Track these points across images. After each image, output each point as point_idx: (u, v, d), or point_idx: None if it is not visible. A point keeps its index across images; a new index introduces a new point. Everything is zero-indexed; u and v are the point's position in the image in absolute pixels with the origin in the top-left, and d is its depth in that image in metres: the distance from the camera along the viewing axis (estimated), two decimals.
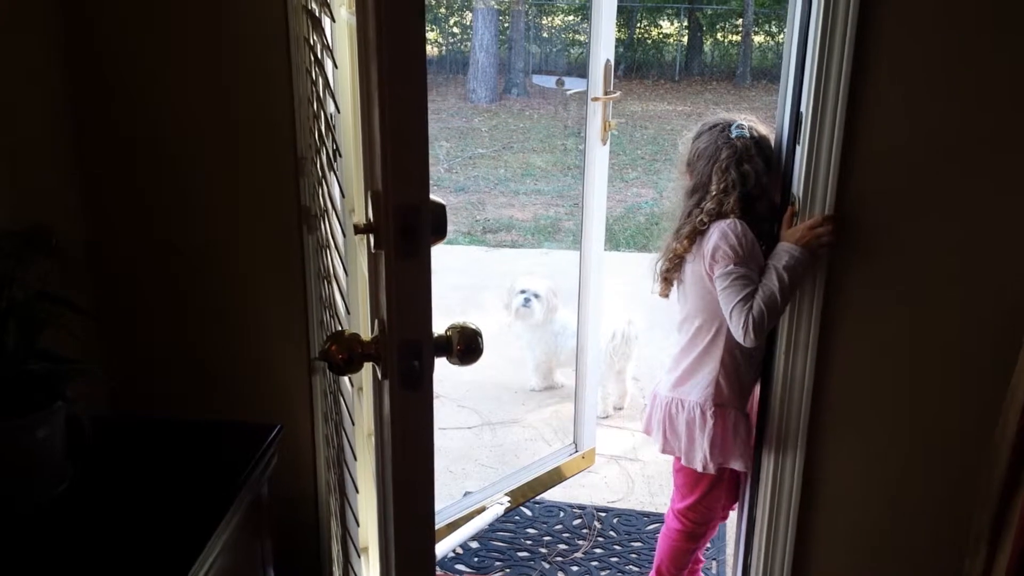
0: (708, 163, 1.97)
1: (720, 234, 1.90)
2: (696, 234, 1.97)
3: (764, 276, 1.84)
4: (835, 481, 1.94)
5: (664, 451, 2.13)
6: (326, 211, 1.73)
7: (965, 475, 1.88)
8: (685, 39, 15.49)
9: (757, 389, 2.06)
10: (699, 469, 2.04)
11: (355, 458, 1.94)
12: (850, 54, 1.66)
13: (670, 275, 2.06)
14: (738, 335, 1.86)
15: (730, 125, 1.97)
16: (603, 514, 2.86)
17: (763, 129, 1.99)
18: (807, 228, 1.76)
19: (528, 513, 2.86)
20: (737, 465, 2.04)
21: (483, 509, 2.72)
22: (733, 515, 2.32)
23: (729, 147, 1.95)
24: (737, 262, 1.87)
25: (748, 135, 1.96)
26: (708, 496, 2.13)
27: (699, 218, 1.96)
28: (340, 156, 1.72)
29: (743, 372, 2.01)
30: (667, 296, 2.10)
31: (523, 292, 3.74)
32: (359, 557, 2.03)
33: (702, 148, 1.99)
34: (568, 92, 11.06)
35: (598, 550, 2.68)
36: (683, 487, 2.16)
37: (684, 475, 2.14)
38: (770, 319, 1.83)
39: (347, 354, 1.10)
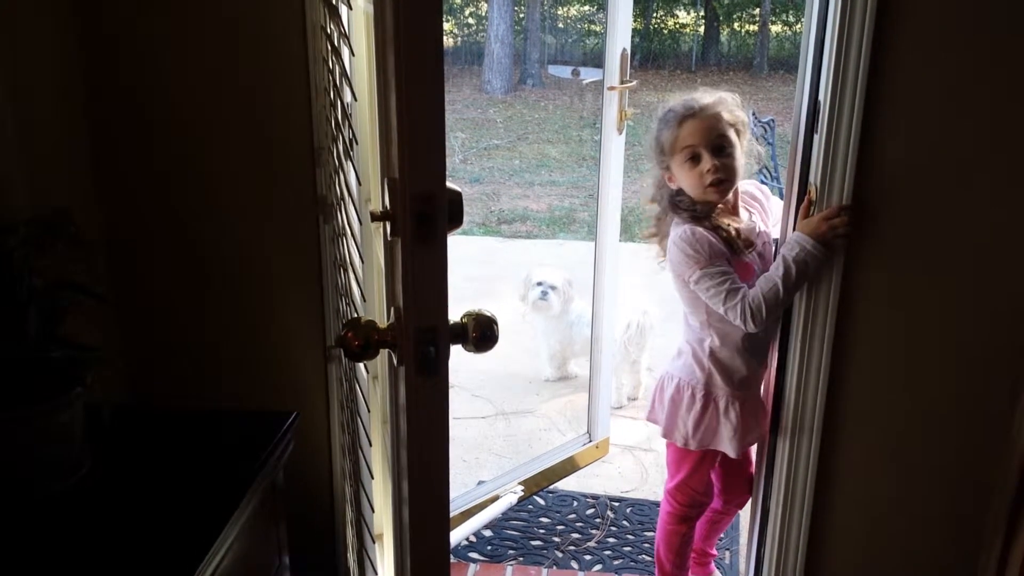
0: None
1: (675, 247, 1.93)
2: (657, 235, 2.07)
3: (773, 265, 1.84)
4: (850, 471, 1.93)
5: (648, 419, 2.17)
6: (342, 199, 1.74)
7: (982, 465, 1.87)
8: (702, 29, 15.41)
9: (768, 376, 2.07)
10: (679, 444, 2.07)
11: (370, 444, 1.95)
12: (869, 42, 1.64)
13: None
14: (739, 326, 1.88)
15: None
16: (616, 504, 2.87)
17: (706, 99, 1.94)
18: (822, 219, 1.76)
19: (541, 502, 2.87)
20: (727, 449, 2.04)
21: (497, 498, 2.73)
22: (748, 506, 2.31)
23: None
24: (703, 265, 1.88)
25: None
26: (693, 477, 2.13)
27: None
28: (356, 144, 1.72)
29: (739, 361, 1.99)
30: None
31: (540, 284, 3.74)
32: (374, 543, 2.05)
33: None
34: (584, 82, 11.02)
35: (611, 539, 2.69)
36: (671, 465, 2.18)
37: (671, 452, 2.17)
38: (770, 308, 1.83)
39: (363, 341, 1.11)
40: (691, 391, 2.04)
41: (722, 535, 2.65)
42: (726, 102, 1.95)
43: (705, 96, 1.94)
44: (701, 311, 1.98)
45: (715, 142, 1.90)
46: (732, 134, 1.92)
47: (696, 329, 2.03)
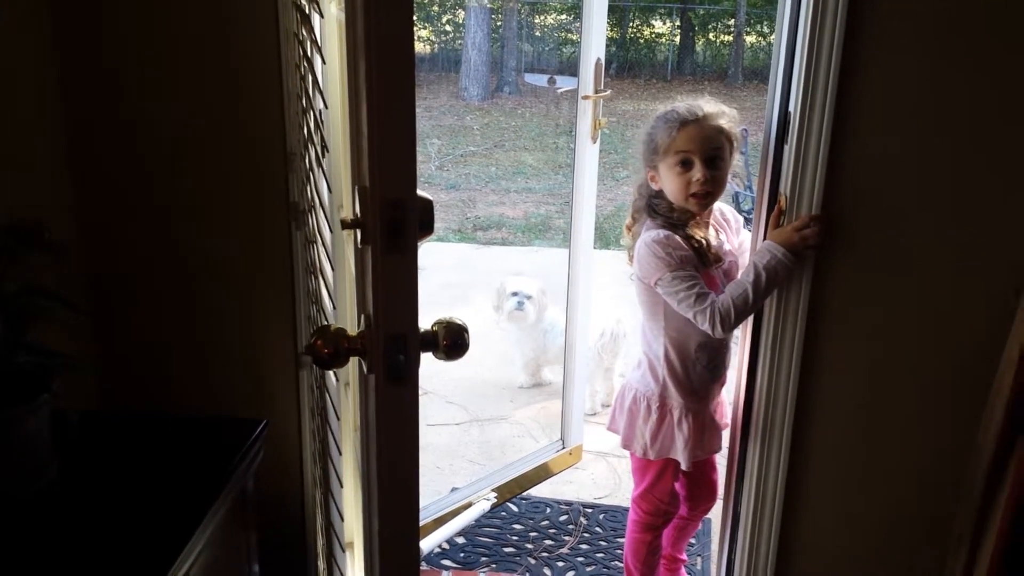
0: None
1: (645, 248, 1.92)
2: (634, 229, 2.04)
3: (743, 272, 1.86)
4: (820, 476, 1.95)
5: (610, 428, 2.19)
6: (313, 206, 1.73)
7: (950, 472, 1.89)
8: (677, 39, 15.51)
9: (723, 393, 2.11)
10: (639, 454, 2.09)
11: (340, 453, 1.94)
12: (839, 52, 1.67)
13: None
14: (707, 331, 1.88)
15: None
16: (590, 510, 2.87)
17: (710, 108, 1.93)
18: (793, 229, 1.77)
19: (515, 509, 2.87)
20: (680, 459, 2.05)
21: (470, 505, 2.72)
22: (718, 511, 2.33)
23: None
24: (673, 268, 1.88)
25: None
26: (657, 486, 2.14)
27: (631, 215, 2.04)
28: (328, 151, 1.72)
29: (692, 372, 2.01)
30: None
31: (515, 295, 3.75)
32: (343, 552, 2.04)
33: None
34: (560, 91, 11.06)
35: (584, 546, 2.69)
36: (635, 473, 2.19)
37: (634, 462, 2.18)
38: (739, 314, 1.84)
39: (333, 348, 1.11)
40: (647, 402, 2.05)
41: (693, 541, 2.67)
42: (727, 115, 1.94)
43: (709, 104, 1.92)
44: (659, 317, 1.99)
45: (710, 153, 1.88)
46: (727, 149, 1.92)
47: (652, 338, 2.04)
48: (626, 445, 2.12)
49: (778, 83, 1.82)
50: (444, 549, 2.64)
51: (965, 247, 1.77)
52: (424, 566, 2.54)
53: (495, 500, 2.79)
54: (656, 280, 1.91)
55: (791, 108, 1.76)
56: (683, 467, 2.07)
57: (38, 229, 1.45)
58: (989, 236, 1.76)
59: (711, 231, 2.00)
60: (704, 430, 2.05)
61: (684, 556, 2.45)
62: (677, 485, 2.19)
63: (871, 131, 1.72)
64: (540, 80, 12.32)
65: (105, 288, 1.94)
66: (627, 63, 14.50)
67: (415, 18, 1.00)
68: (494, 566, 2.58)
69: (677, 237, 1.91)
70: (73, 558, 1.31)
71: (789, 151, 1.77)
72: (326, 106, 1.74)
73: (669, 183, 1.93)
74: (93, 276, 1.92)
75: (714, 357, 2.02)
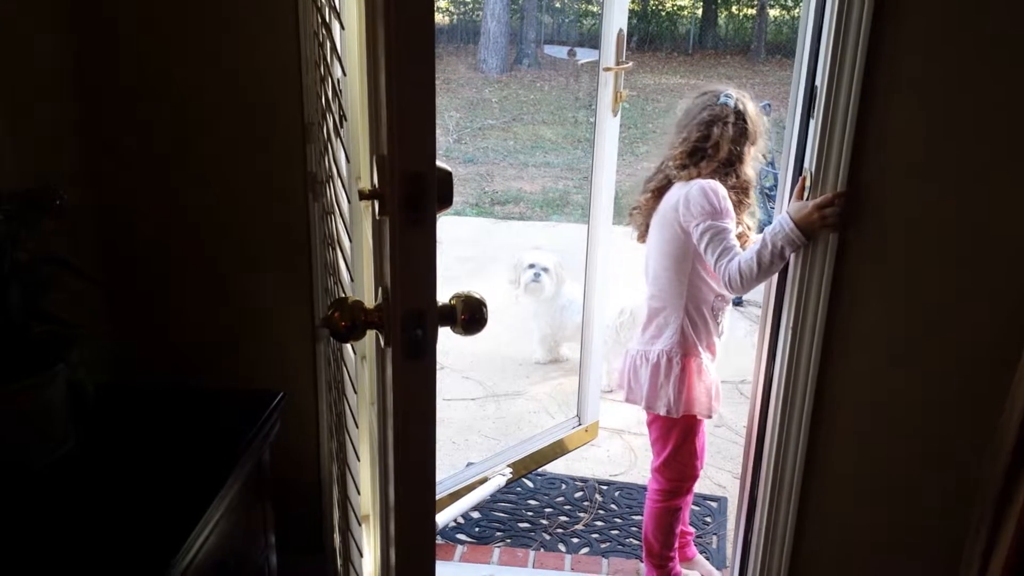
0: (688, 121, 2.09)
1: (699, 190, 2.00)
2: (659, 189, 2.12)
3: (759, 240, 1.91)
4: (837, 460, 1.93)
5: (628, 400, 2.24)
6: (331, 177, 1.72)
7: (970, 457, 1.87)
8: (700, 12, 15.33)
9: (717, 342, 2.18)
10: (663, 413, 2.13)
11: (356, 426, 1.94)
12: (867, 26, 1.63)
13: (638, 223, 2.20)
14: (722, 284, 1.99)
15: (721, 93, 2.10)
16: (605, 487, 2.87)
17: (752, 107, 2.10)
18: (816, 207, 1.74)
19: (530, 485, 2.87)
20: (701, 412, 2.13)
21: (485, 480, 2.72)
22: (735, 491, 2.31)
23: (709, 110, 2.07)
24: (713, 218, 1.97)
25: (732, 105, 2.07)
26: (681, 450, 2.18)
27: (663, 173, 2.12)
28: (346, 121, 1.70)
29: (709, 325, 2.12)
30: (644, 241, 2.21)
31: (532, 267, 3.77)
32: (359, 525, 2.04)
33: (688, 107, 2.13)
34: (580, 63, 10.96)
35: (599, 522, 2.69)
36: (657, 442, 2.23)
37: (656, 428, 2.22)
38: (744, 280, 1.93)
39: (350, 321, 1.09)
40: (667, 358, 2.11)
41: (708, 519, 2.66)
42: None
43: None
44: (686, 269, 2.06)
45: None
46: None
47: (674, 293, 2.09)
48: (649, 406, 2.15)
49: (804, 56, 1.79)
50: (459, 523, 2.64)
51: (993, 228, 1.73)
52: (439, 540, 2.55)
53: (510, 475, 2.79)
54: (697, 223, 1.98)
55: (818, 82, 1.72)
56: (710, 416, 2.14)
57: (49, 194, 1.44)
58: (1018, 218, 1.72)
59: None
60: (714, 385, 2.14)
61: (690, 528, 2.49)
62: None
63: (899, 106, 1.68)
64: (560, 52, 12.20)
65: (121, 259, 1.93)
66: (648, 36, 14.35)
67: None
68: (509, 541, 2.58)
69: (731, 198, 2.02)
70: (91, 527, 1.31)
71: (815, 126, 1.73)
72: (344, 73, 1.71)
73: (754, 168, 2.11)
74: (108, 246, 1.91)
75: (719, 316, 2.13)
